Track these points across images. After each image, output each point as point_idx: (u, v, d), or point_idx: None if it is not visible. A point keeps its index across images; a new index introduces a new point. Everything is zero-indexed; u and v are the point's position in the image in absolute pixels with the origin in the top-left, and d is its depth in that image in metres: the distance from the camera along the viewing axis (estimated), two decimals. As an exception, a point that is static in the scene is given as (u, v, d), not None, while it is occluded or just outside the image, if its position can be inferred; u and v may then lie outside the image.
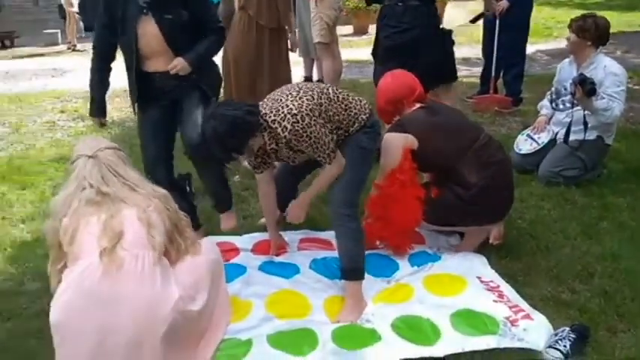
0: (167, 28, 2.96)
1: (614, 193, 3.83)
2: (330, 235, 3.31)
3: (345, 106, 2.77)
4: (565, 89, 4.00)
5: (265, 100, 2.76)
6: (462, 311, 2.63)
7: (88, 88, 3.25)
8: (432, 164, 3.16)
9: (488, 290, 2.80)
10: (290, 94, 2.69)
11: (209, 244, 2.60)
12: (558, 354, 2.36)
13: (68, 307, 2.13)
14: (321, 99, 2.70)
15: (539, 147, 4.17)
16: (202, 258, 2.43)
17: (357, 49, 9.91)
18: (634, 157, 4.40)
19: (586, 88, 3.65)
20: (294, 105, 2.62)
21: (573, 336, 2.41)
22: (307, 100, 2.66)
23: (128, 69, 3.12)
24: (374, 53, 4.68)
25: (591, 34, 3.92)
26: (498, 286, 2.83)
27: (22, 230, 3.65)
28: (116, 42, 3.11)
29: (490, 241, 3.21)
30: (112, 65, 3.19)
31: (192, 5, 2.96)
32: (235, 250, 3.22)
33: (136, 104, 3.22)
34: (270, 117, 2.63)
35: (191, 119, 3.04)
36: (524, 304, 2.69)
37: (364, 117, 2.81)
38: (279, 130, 2.60)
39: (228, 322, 2.54)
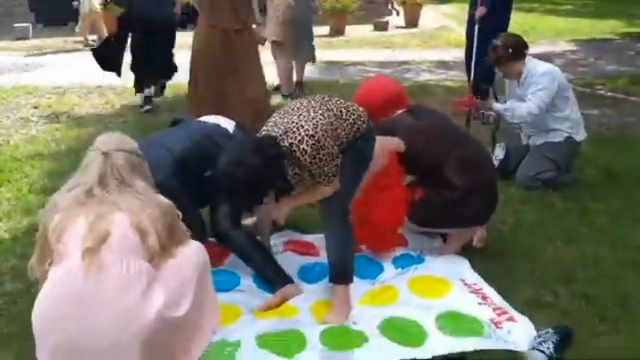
0: None
1: (591, 198, 3.90)
2: (313, 238, 3.33)
3: (352, 120, 2.69)
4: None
5: (272, 121, 2.63)
6: (447, 313, 2.65)
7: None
8: (418, 167, 3.19)
9: (472, 292, 2.83)
10: (301, 113, 2.57)
11: (196, 246, 2.57)
12: (542, 356, 2.40)
13: (48, 311, 2.10)
14: (330, 118, 2.60)
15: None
16: (189, 261, 2.39)
17: (334, 50, 9.92)
18: (607, 163, 4.48)
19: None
20: (309, 126, 2.50)
21: (556, 338, 2.46)
22: (320, 120, 2.55)
23: None
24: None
25: (506, 56, 4.04)
26: (482, 289, 2.87)
27: (0, 228, 3.57)
28: None
29: (473, 243, 3.25)
30: None
31: None
32: (226, 252, 3.13)
33: None
34: (286, 141, 2.50)
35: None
36: (507, 307, 2.73)
37: (363, 126, 2.75)
38: (298, 153, 2.47)
39: (215, 328, 2.51)
